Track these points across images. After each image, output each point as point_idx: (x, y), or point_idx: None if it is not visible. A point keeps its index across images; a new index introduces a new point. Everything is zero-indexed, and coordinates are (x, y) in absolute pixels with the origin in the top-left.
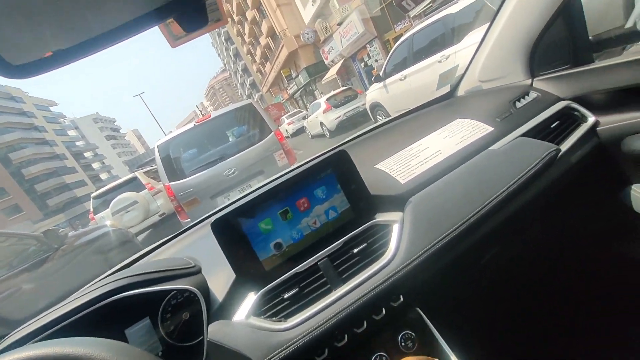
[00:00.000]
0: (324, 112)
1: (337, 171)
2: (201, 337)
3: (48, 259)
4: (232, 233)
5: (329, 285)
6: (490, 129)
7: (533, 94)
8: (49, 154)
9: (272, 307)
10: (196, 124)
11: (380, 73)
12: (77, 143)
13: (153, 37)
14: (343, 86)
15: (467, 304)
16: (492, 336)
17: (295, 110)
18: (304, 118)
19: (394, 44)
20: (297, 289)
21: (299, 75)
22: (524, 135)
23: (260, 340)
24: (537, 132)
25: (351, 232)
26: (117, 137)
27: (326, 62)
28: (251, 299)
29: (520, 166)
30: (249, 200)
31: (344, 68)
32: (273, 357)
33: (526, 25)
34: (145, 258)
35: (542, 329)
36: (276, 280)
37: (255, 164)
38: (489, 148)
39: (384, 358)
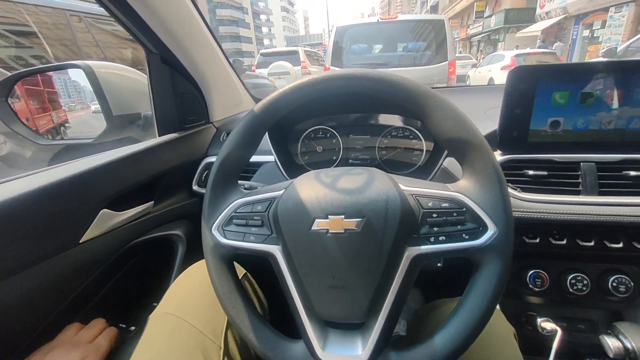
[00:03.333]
0: (503, 68)
1: None
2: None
3: None
4: (524, 87)
5: (580, 189)
6: None
7: None
8: (237, 4)
9: (513, 175)
10: (380, 20)
11: (618, 49)
12: (259, 3)
13: None
14: (542, 48)
15: None
16: None
17: (465, 54)
18: (473, 66)
19: None
20: (545, 173)
21: (493, 16)
22: None
23: None
24: None
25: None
26: (289, 11)
27: (538, 11)
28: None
29: None
30: (568, 64)
31: (556, 28)
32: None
33: None
34: None
35: None
36: (529, 155)
37: None
38: None
39: (624, 280)
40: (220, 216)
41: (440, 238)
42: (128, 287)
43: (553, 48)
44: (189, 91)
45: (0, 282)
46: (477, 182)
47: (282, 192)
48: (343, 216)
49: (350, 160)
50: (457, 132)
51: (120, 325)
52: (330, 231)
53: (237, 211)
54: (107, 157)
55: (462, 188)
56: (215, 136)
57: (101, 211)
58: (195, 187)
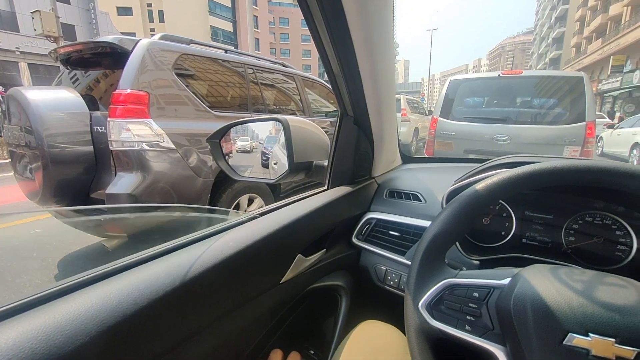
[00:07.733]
0: None
1: None
2: None
3: None
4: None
5: None
6: None
7: None
8: None
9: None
10: (501, 75)
11: None
12: None
13: None
14: None
15: None
16: None
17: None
18: (610, 128)
19: None
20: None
21: (637, 71)
22: None
23: None
24: None
25: None
26: None
27: None
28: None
29: None
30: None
31: None
32: None
33: None
34: None
35: None
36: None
37: (535, 145)
38: None
39: None
40: (429, 294)
41: None
42: (294, 331)
43: None
44: (366, 149)
45: (226, 317)
46: None
47: (504, 282)
48: (614, 340)
49: (524, 240)
50: None
51: None
52: (592, 354)
53: (448, 292)
54: (304, 209)
55: None
56: (377, 192)
57: (297, 256)
58: (354, 240)
